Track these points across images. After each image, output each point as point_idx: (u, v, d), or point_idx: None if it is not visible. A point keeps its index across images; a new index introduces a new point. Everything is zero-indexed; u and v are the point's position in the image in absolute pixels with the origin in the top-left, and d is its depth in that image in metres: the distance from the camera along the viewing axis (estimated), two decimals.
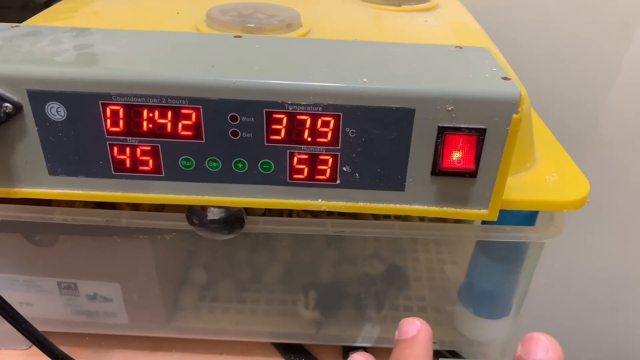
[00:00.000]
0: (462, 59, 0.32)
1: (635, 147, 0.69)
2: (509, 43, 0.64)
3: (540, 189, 0.35)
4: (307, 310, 0.45)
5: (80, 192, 0.31)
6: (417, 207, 0.31)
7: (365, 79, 0.28)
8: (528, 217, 0.38)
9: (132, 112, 0.28)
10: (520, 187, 0.34)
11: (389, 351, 0.47)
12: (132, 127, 0.29)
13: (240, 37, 0.33)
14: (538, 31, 0.67)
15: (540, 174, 0.36)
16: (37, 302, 0.42)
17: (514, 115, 0.28)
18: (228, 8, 0.42)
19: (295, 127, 0.29)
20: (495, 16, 0.66)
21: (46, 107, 0.28)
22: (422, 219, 0.42)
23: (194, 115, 0.28)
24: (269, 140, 0.29)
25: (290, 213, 0.43)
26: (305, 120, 0.28)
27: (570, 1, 0.64)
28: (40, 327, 0.33)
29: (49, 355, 0.31)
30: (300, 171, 0.30)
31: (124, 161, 0.30)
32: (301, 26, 0.41)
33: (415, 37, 0.43)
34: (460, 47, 0.33)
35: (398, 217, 0.43)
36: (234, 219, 0.34)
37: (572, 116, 0.70)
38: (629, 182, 0.71)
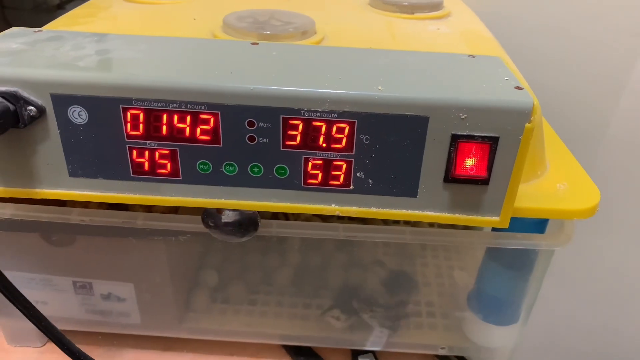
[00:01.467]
0: (475, 67, 0.32)
1: None
2: (520, 48, 0.64)
3: (551, 197, 0.35)
4: (341, 321, 0.46)
5: (99, 193, 0.32)
6: (429, 213, 0.32)
7: (380, 87, 0.28)
8: (538, 225, 0.38)
9: (152, 117, 0.29)
10: (531, 195, 0.35)
11: (398, 355, 0.47)
12: (152, 131, 0.29)
13: (257, 44, 0.34)
14: (549, 37, 0.67)
15: (550, 182, 0.36)
16: (53, 300, 0.43)
17: (527, 125, 0.28)
18: (244, 15, 0.42)
19: (310, 133, 0.29)
20: (506, 22, 0.66)
21: (69, 111, 0.29)
22: (432, 224, 0.42)
23: (212, 120, 0.29)
24: (284, 146, 0.30)
25: (297, 217, 0.43)
26: (321, 126, 0.29)
27: (582, 7, 0.65)
28: (55, 325, 0.34)
29: (66, 353, 0.31)
30: (315, 176, 0.31)
31: (142, 164, 0.31)
32: (316, 33, 0.42)
33: (428, 45, 0.44)
34: (473, 56, 0.34)
35: (408, 223, 0.44)
36: (248, 222, 0.35)
37: (583, 121, 0.70)
38: (638, 187, 0.71)
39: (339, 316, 0.46)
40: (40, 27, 0.44)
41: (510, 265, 0.41)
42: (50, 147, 0.30)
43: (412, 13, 0.50)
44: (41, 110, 0.29)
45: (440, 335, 0.46)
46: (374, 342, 0.46)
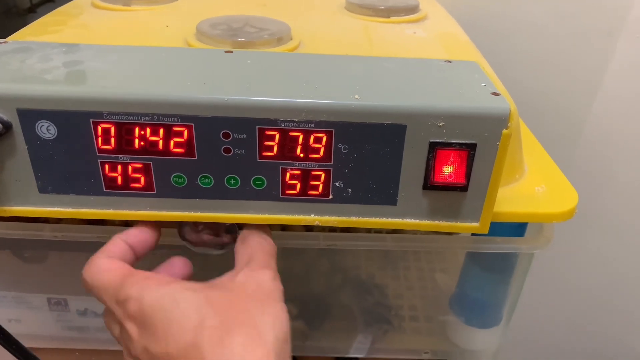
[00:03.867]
0: (452, 73, 0.32)
1: (621, 151, 0.70)
2: (495, 49, 0.64)
3: (530, 200, 0.35)
4: (296, 319, 0.45)
5: (70, 209, 0.31)
6: (409, 220, 0.31)
7: (356, 96, 0.28)
8: (518, 228, 0.39)
9: (124, 130, 0.28)
10: (510, 198, 0.35)
11: None
12: (124, 144, 0.29)
13: (231, 52, 0.33)
14: (524, 38, 0.68)
15: (529, 185, 0.37)
16: (27, 318, 0.42)
17: (504, 131, 0.28)
18: (218, 22, 0.42)
19: (287, 144, 0.29)
20: (482, 23, 0.67)
21: (36, 126, 0.28)
22: (413, 231, 0.42)
23: (186, 132, 0.28)
24: (261, 157, 0.29)
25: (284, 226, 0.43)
26: (298, 136, 0.29)
27: (557, 9, 0.65)
28: (30, 344, 0.33)
29: None
30: (293, 187, 0.30)
31: (115, 179, 0.30)
32: (291, 39, 0.41)
33: (405, 49, 0.43)
34: (450, 62, 0.34)
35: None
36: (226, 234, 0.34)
37: (558, 120, 0.71)
38: (615, 185, 0.72)
39: (291, 310, 0.45)
40: (11, 30, 0.43)
41: (491, 269, 0.41)
42: (18, 164, 0.29)
43: (389, 17, 0.50)
44: (7, 126, 0.28)
45: (423, 339, 0.46)
46: (358, 348, 0.46)
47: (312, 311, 0.45)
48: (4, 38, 0.34)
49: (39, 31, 0.43)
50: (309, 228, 0.42)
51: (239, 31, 0.40)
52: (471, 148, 0.28)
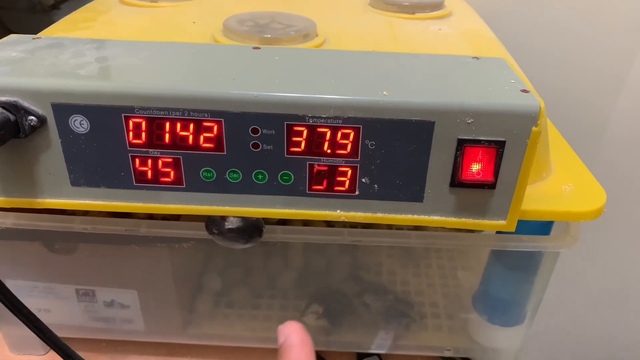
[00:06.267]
0: (480, 70, 0.32)
1: None
2: (519, 46, 0.64)
3: (557, 199, 0.35)
4: (320, 318, 0.46)
5: (101, 202, 0.31)
6: (435, 217, 0.31)
7: (385, 92, 0.28)
8: (543, 227, 0.38)
9: (155, 125, 0.29)
10: (537, 197, 0.34)
11: (403, 358, 0.47)
12: (154, 139, 0.29)
13: (258, 48, 0.34)
14: (548, 34, 0.67)
15: (556, 183, 0.36)
16: (56, 308, 0.43)
17: (534, 128, 0.28)
18: (245, 18, 0.42)
19: (315, 140, 0.29)
20: (505, 20, 0.66)
21: (70, 120, 0.29)
22: (438, 228, 0.42)
23: (215, 127, 0.29)
24: (289, 152, 0.29)
25: (305, 222, 0.43)
26: (326, 132, 0.29)
27: (581, 4, 0.64)
28: (58, 333, 0.33)
29: None
30: (320, 182, 0.30)
31: (145, 172, 0.30)
32: (317, 36, 0.41)
33: (430, 46, 0.43)
34: (477, 58, 0.33)
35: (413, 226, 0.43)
36: (252, 228, 0.35)
37: (582, 119, 0.70)
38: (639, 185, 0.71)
39: (317, 311, 0.45)
40: (35, 26, 0.44)
41: (515, 267, 0.41)
42: (51, 157, 0.30)
43: (413, 13, 0.50)
44: (42, 120, 0.29)
45: (445, 336, 0.46)
46: (379, 344, 0.46)
47: (334, 307, 0.46)
48: (29, 34, 0.34)
49: (69, 27, 0.44)
50: (330, 223, 0.43)
51: (265, 27, 0.40)
52: (500, 145, 0.28)
